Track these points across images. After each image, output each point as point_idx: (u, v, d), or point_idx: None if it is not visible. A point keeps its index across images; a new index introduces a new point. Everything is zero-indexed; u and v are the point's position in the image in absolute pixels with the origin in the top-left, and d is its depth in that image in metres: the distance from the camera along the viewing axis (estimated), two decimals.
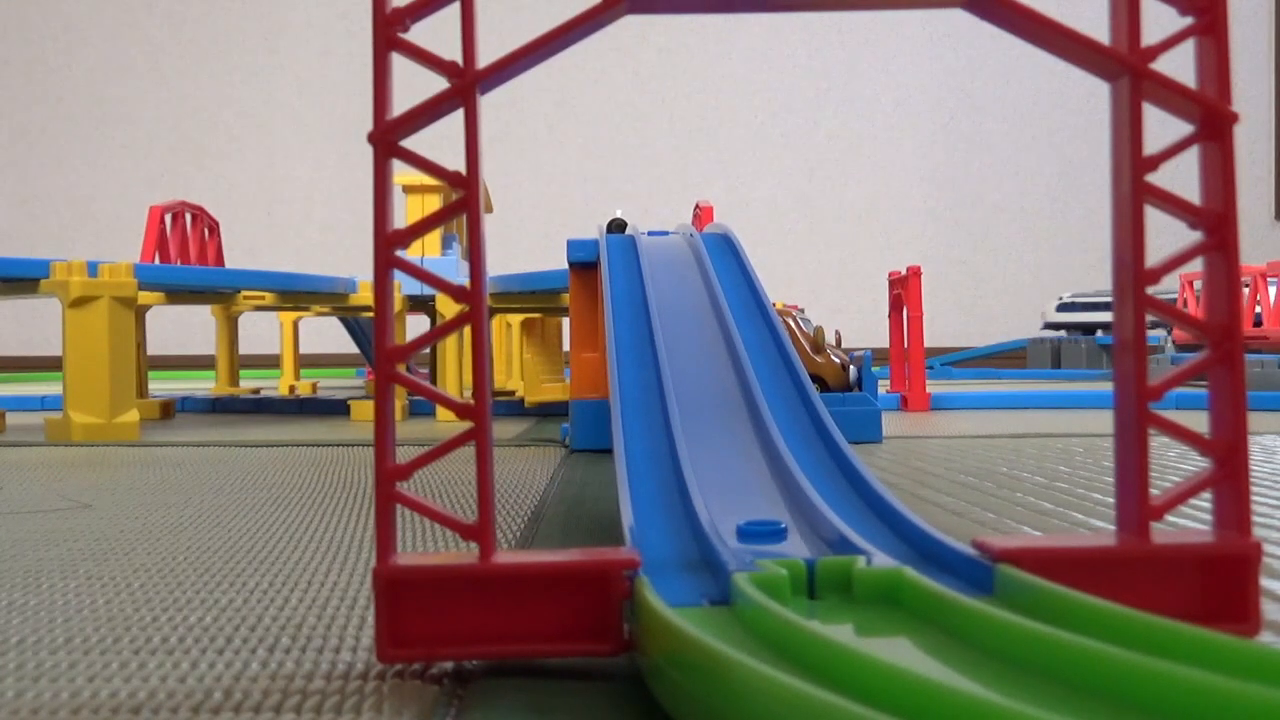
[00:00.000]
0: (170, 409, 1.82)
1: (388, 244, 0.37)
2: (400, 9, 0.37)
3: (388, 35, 0.37)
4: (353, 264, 1.75)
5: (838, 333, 1.48)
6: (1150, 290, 0.38)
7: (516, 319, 2.04)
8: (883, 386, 1.85)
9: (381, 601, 0.36)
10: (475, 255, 0.38)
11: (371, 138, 0.37)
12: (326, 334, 3.04)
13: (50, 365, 1.83)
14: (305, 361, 2.68)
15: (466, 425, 0.37)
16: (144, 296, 1.70)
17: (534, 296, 1.64)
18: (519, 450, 1.16)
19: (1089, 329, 3.27)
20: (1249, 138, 4.43)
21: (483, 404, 0.37)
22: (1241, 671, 0.26)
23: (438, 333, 0.39)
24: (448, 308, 1.68)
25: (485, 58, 0.37)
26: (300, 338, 2.55)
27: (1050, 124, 4.50)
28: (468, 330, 0.38)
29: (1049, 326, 3.34)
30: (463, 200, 0.37)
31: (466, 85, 0.37)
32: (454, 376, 1.70)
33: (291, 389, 2.43)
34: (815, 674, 0.28)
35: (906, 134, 4.58)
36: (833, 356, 1.30)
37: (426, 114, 0.37)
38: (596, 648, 0.36)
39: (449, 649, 0.36)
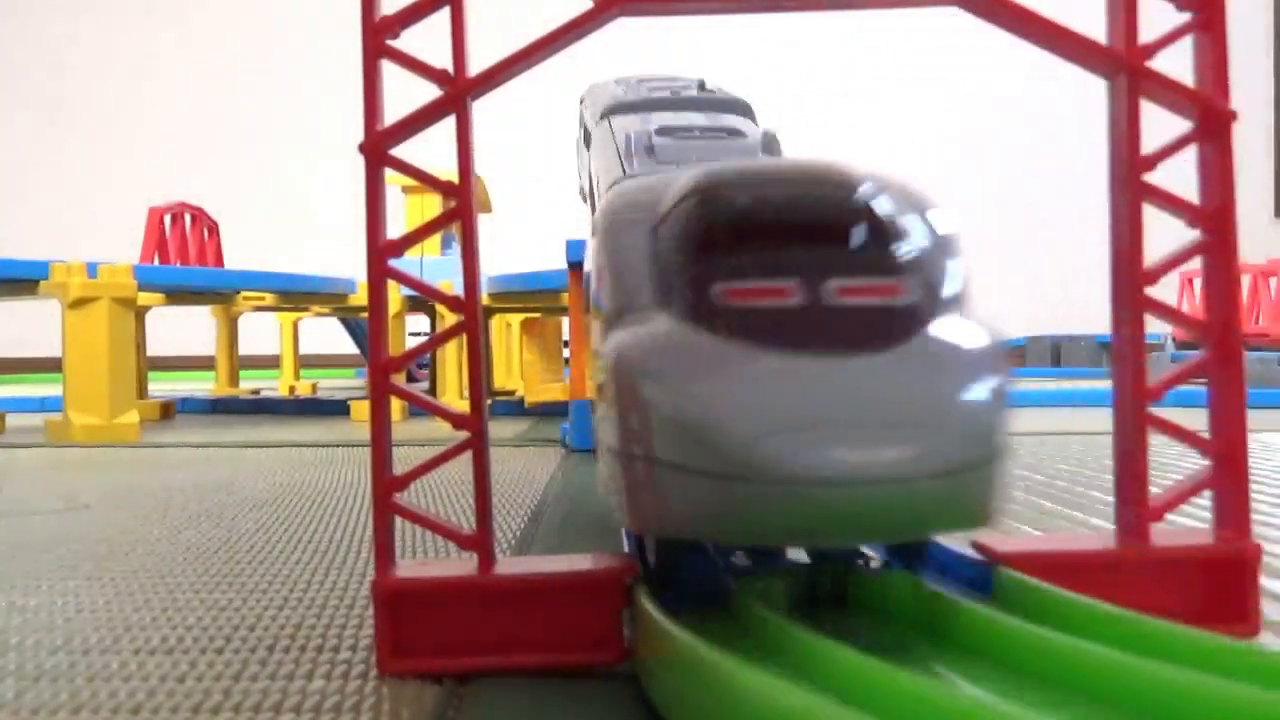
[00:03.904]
0: (170, 410, 1.82)
1: (381, 255, 0.37)
2: (390, 17, 0.37)
3: (377, 44, 0.37)
4: (352, 264, 1.76)
5: None
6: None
7: (516, 319, 2.04)
8: None
9: (381, 613, 0.36)
10: (469, 265, 0.38)
11: (363, 148, 0.37)
12: (326, 334, 3.04)
13: (50, 366, 1.83)
14: (305, 362, 2.68)
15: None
16: (144, 297, 1.70)
17: (534, 296, 1.64)
18: (519, 450, 1.16)
19: None
20: (1248, 136, 4.43)
21: (479, 415, 0.37)
22: (1241, 673, 0.26)
23: (433, 342, 0.39)
24: (447, 310, 1.68)
25: (481, 61, 0.37)
26: (300, 338, 2.55)
27: (1050, 122, 4.50)
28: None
29: None
30: (455, 209, 0.37)
31: (458, 94, 0.37)
32: (454, 379, 1.70)
33: (291, 389, 2.43)
34: (814, 680, 0.28)
35: (906, 133, 4.58)
36: None
37: (418, 123, 0.37)
38: (597, 657, 0.36)
39: (448, 660, 0.36)
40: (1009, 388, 0.30)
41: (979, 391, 0.29)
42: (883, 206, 0.34)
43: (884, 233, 0.33)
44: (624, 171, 0.52)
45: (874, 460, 0.27)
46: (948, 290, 0.33)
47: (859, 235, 0.32)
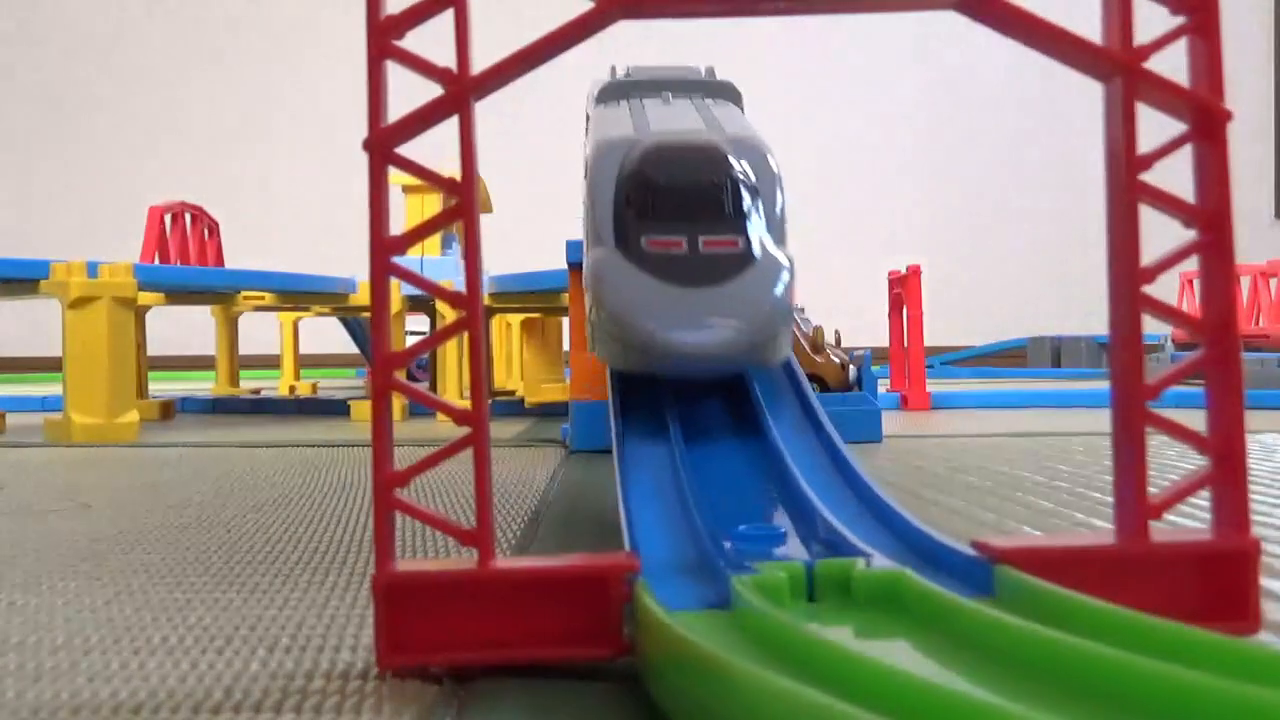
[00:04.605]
0: (170, 409, 1.82)
1: (384, 250, 0.37)
2: (394, 17, 0.37)
3: (382, 43, 0.37)
4: (353, 264, 1.76)
5: (837, 332, 1.48)
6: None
7: (516, 319, 2.04)
8: (883, 386, 1.85)
9: (381, 608, 0.36)
10: (471, 262, 0.38)
11: (367, 145, 0.37)
12: (326, 334, 3.05)
13: (50, 365, 1.83)
14: (305, 362, 2.68)
15: (465, 429, 0.37)
16: (144, 297, 1.70)
17: (534, 296, 1.64)
18: (519, 450, 1.16)
19: None
20: (1249, 136, 4.42)
21: (480, 410, 0.37)
22: (1241, 672, 0.26)
23: (435, 339, 0.39)
24: (448, 309, 1.68)
25: (483, 60, 0.37)
26: (300, 338, 2.55)
27: (1049, 122, 4.50)
28: (466, 335, 0.38)
29: None
30: (458, 207, 0.37)
31: (461, 93, 0.37)
32: (454, 377, 1.71)
33: (291, 389, 2.43)
34: (814, 677, 0.28)
35: (905, 133, 4.58)
36: (832, 356, 1.30)
37: (421, 121, 0.37)
38: (596, 652, 0.36)
39: (449, 654, 0.36)
40: (792, 292, 0.55)
41: (773, 303, 0.53)
42: (735, 178, 0.58)
43: (735, 198, 0.57)
44: (611, 78, 0.86)
45: (710, 344, 0.52)
46: (770, 228, 0.58)
47: (719, 204, 0.56)
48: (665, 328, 0.52)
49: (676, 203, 0.56)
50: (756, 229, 0.57)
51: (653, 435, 0.60)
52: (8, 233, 4.30)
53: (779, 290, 0.54)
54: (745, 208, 0.57)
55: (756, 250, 0.55)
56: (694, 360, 0.52)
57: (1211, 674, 0.25)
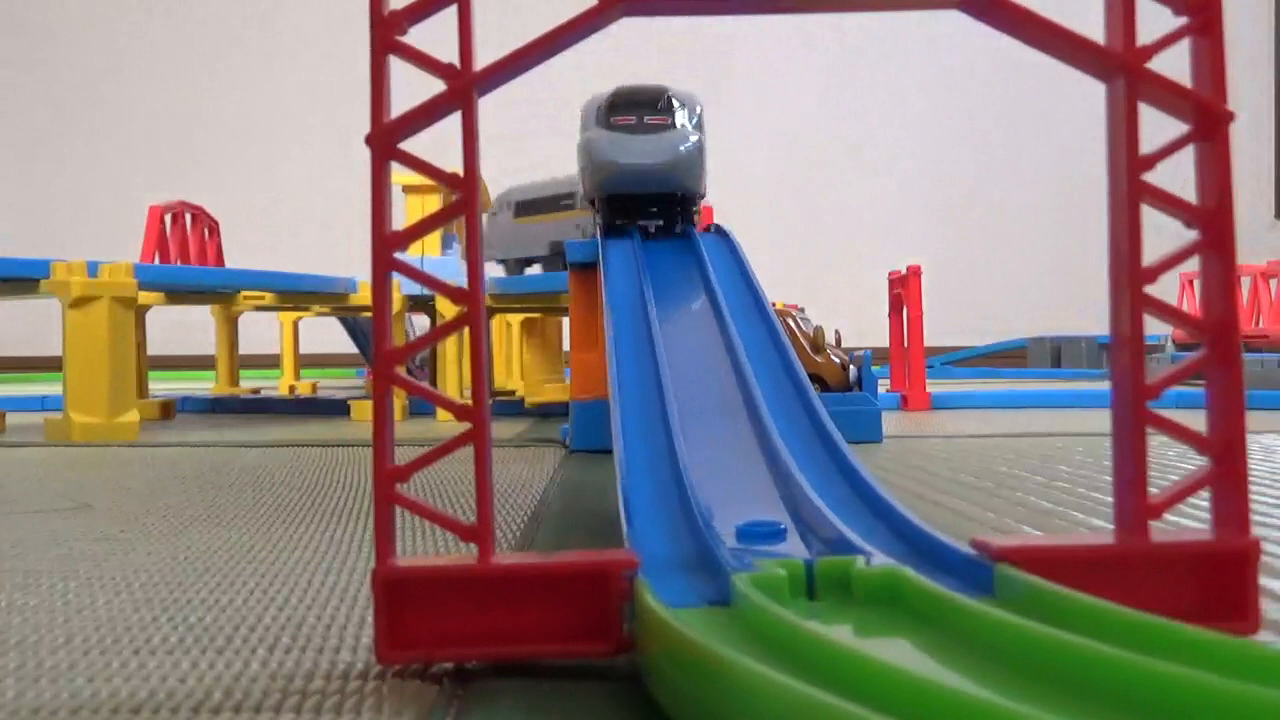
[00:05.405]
0: (170, 409, 1.82)
1: (386, 246, 0.37)
2: (398, 12, 0.37)
3: (385, 38, 0.37)
4: (353, 264, 1.75)
5: (837, 332, 1.48)
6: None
7: (516, 319, 2.04)
8: (883, 386, 1.85)
9: (381, 603, 0.36)
10: (473, 257, 0.38)
11: (369, 140, 0.37)
12: (326, 334, 3.05)
13: (50, 365, 1.83)
14: (305, 361, 2.68)
15: (466, 425, 0.37)
16: (144, 296, 1.70)
17: (534, 297, 1.64)
18: (519, 450, 1.16)
19: None
20: (1249, 137, 4.42)
21: (481, 405, 0.37)
22: (1241, 671, 0.26)
23: (436, 335, 0.39)
24: (448, 308, 1.68)
25: (485, 58, 0.37)
26: (300, 338, 2.55)
27: (1049, 122, 4.50)
28: (467, 331, 0.38)
29: None
30: (460, 202, 0.37)
31: (464, 88, 0.37)
32: (454, 376, 1.70)
33: (291, 389, 2.43)
34: (814, 674, 0.28)
35: (906, 133, 4.58)
36: (832, 356, 1.30)
37: (424, 116, 0.37)
38: (596, 648, 0.36)
39: (448, 650, 0.36)
40: (700, 150, 1.07)
41: (685, 149, 1.05)
42: (671, 98, 1.08)
43: (668, 104, 1.07)
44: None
45: (646, 164, 1.04)
46: (691, 119, 1.08)
47: (657, 105, 1.07)
48: (621, 155, 1.03)
49: (633, 104, 1.07)
50: (680, 119, 1.06)
51: (654, 433, 0.60)
52: (8, 233, 4.30)
53: (689, 144, 1.05)
54: (674, 111, 1.07)
55: (677, 125, 1.05)
56: (639, 174, 1.03)
57: (1211, 674, 0.25)
